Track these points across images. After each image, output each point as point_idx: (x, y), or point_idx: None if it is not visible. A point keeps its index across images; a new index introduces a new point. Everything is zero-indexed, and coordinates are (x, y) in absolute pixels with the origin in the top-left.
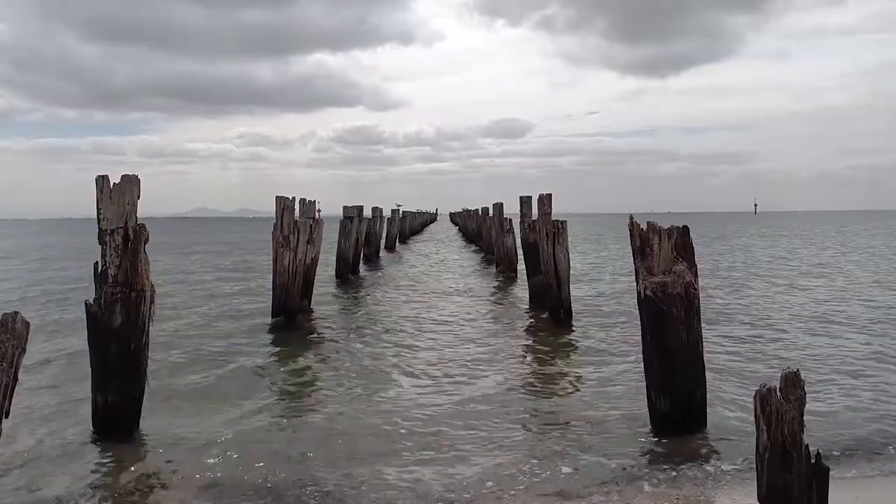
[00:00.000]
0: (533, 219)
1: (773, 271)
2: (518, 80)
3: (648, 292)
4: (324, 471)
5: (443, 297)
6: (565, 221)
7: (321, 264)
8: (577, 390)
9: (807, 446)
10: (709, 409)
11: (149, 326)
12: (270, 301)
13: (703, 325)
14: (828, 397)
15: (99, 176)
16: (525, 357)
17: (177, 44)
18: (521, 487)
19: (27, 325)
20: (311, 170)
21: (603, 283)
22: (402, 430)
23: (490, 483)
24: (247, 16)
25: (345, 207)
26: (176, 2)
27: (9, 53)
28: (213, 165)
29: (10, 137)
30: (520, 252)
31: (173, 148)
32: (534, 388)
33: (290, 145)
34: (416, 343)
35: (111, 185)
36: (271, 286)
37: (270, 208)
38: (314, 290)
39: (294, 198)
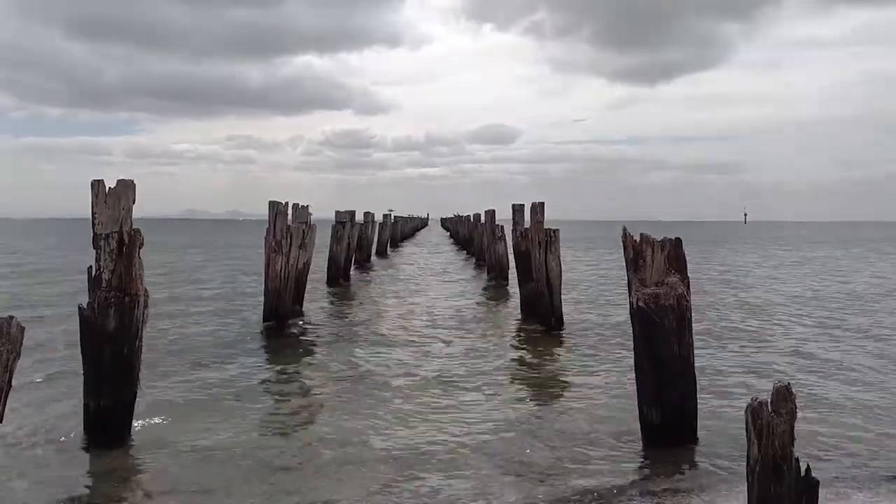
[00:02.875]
0: (525, 227)
1: (765, 281)
2: (506, 86)
3: (641, 303)
4: (313, 480)
5: (433, 303)
6: (557, 230)
7: (312, 268)
8: (568, 400)
9: (797, 460)
10: (699, 422)
11: (142, 331)
12: (262, 305)
13: (694, 336)
14: (825, 411)
15: (94, 180)
16: (516, 365)
17: (163, 43)
18: (511, 499)
19: (22, 329)
20: (300, 173)
21: (595, 292)
22: (392, 438)
23: (478, 494)
24: (232, 15)
25: (337, 212)
26: (164, 1)
27: None
28: (201, 167)
29: None
30: (511, 259)
31: (160, 149)
32: (524, 398)
33: (279, 148)
34: (406, 348)
35: (106, 189)
36: (263, 290)
37: (260, 211)
38: (306, 295)
39: (287, 203)
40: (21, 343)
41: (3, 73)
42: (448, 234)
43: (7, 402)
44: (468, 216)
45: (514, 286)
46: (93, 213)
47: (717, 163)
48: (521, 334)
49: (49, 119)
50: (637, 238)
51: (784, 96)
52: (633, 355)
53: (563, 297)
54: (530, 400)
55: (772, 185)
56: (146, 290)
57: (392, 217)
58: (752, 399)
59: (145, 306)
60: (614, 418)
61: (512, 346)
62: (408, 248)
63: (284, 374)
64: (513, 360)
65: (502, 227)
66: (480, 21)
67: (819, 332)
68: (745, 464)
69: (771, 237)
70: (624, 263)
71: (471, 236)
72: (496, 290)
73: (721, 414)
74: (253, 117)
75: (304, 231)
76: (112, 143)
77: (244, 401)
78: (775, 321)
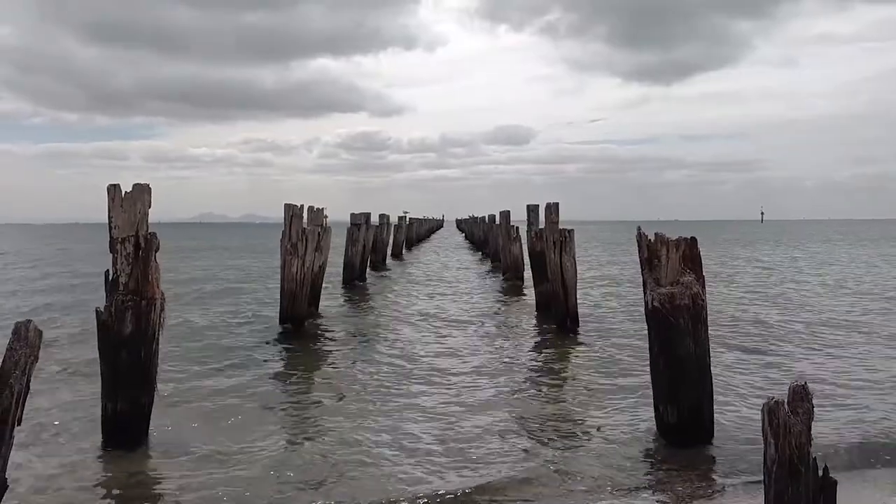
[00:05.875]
0: (540, 227)
1: (783, 280)
2: (521, 87)
3: (656, 303)
4: (331, 481)
5: (449, 304)
6: (572, 230)
7: (328, 271)
8: (584, 400)
9: (815, 460)
10: (716, 421)
11: (159, 335)
12: (278, 308)
13: (710, 335)
14: (838, 412)
15: (110, 185)
16: (531, 366)
17: (178, 47)
18: (526, 496)
19: (40, 333)
20: (316, 175)
21: (610, 291)
22: (410, 440)
23: (493, 491)
24: (247, 19)
25: (352, 215)
26: (177, 5)
27: (11, 56)
28: (218, 171)
29: (14, 141)
30: (527, 260)
31: (177, 153)
32: (540, 398)
33: (295, 151)
34: (422, 351)
35: (122, 193)
36: (279, 293)
37: (277, 214)
38: (321, 297)
39: (302, 205)
40: (39, 347)
41: (20, 77)
42: (463, 235)
43: (25, 405)
44: (483, 217)
45: (529, 287)
46: (109, 218)
47: (732, 161)
48: (537, 334)
49: (66, 124)
50: (651, 237)
51: (799, 94)
52: (648, 355)
53: (578, 297)
54: (546, 399)
55: (786, 183)
56: (163, 293)
57: (407, 219)
58: (768, 398)
59: (162, 310)
60: (630, 418)
61: (527, 346)
62: (423, 250)
63: (300, 376)
64: (528, 360)
65: (517, 227)
66: (495, 22)
67: (837, 332)
68: (761, 464)
69: (808, 236)
70: (639, 263)
71: (486, 237)
72: (511, 291)
73: (737, 413)
74: (269, 120)
75: (319, 233)
76: (130, 147)
77: (260, 403)
78: (792, 318)
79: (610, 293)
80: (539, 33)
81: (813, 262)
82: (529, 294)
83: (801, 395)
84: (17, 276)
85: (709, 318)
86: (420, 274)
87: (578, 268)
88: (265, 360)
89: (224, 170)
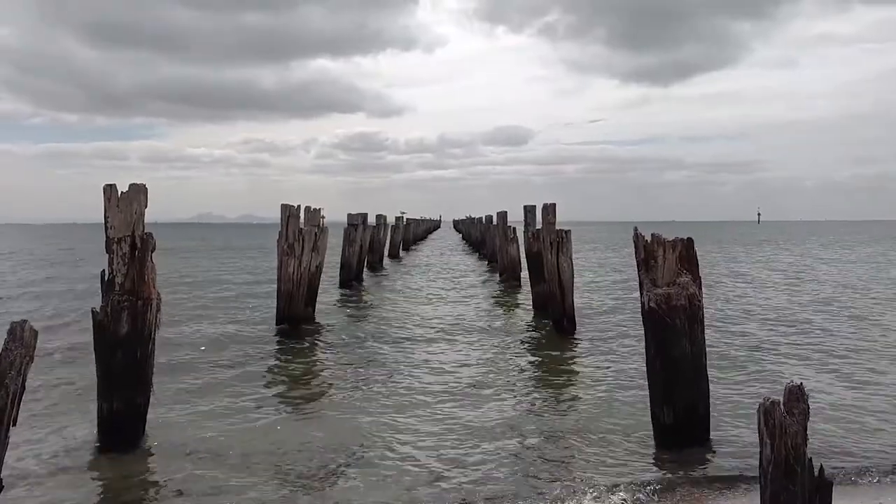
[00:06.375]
0: (537, 227)
1: (780, 281)
2: (520, 88)
3: (652, 304)
4: (327, 485)
5: (446, 305)
6: (569, 231)
7: (325, 271)
8: (580, 401)
9: (810, 460)
10: (712, 422)
11: (155, 335)
12: (275, 308)
13: (707, 335)
14: (837, 411)
15: (106, 185)
16: (528, 367)
17: (178, 48)
18: (523, 500)
19: (35, 333)
20: (314, 176)
21: (607, 292)
22: (406, 440)
23: (492, 495)
24: (248, 20)
25: (349, 215)
26: (177, 6)
27: (11, 56)
28: (217, 171)
29: (15, 141)
30: (524, 260)
31: (177, 153)
32: (536, 399)
33: (294, 151)
34: (419, 352)
35: (118, 193)
36: (276, 294)
37: (275, 214)
38: (318, 298)
39: (299, 206)
40: (34, 347)
41: (20, 78)
42: (461, 235)
43: (21, 405)
44: (480, 218)
45: (526, 287)
46: (105, 218)
47: (732, 161)
48: (534, 335)
49: (66, 124)
50: (648, 238)
51: (799, 94)
52: (645, 356)
53: (575, 297)
54: (543, 401)
55: (786, 183)
56: (159, 293)
57: (404, 219)
58: (764, 399)
59: (158, 310)
60: (626, 419)
61: (524, 347)
62: (420, 251)
63: (297, 377)
64: (525, 361)
65: (514, 228)
66: (494, 23)
67: (833, 332)
68: (757, 464)
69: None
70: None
71: (483, 238)
72: (509, 292)
73: (734, 414)
74: (268, 121)
75: (316, 234)
76: (129, 147)
77: (259, 404)
78: (788, 320)
79: (607, 294)
80: (538, 34)
81: (813, 261)
82: (527, 294)
83: (796, 396)
84: (28, 278)
85: (706, 316)
86: (417, 274)
87: (576, 268)
88: (262, 361)
89: (223, 170)
